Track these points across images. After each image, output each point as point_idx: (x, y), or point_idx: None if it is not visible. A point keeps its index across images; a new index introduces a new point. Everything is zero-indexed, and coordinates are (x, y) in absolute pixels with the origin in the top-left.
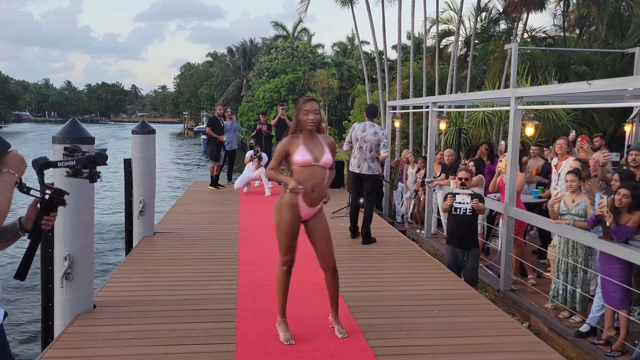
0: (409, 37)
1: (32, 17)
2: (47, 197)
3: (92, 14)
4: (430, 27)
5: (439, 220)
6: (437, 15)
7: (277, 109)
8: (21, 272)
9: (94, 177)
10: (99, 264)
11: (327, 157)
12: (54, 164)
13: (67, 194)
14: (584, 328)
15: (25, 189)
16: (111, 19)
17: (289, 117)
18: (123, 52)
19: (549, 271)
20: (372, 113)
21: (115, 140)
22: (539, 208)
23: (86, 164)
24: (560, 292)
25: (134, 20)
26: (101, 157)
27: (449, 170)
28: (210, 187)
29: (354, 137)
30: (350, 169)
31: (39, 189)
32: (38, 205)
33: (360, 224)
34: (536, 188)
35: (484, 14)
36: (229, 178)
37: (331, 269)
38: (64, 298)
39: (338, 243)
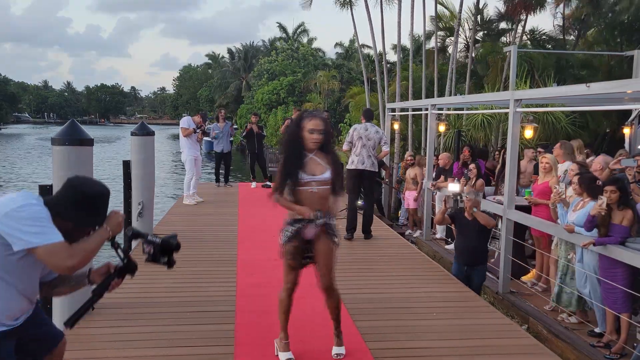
0: (409, 39)
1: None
2: (123, 265)
3: (72, 9)
4: (434, 25)
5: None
6: (437, 16)
7: (275, 111)
8: (73, 321)
9: (171, 264)
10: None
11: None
12: (143, 235)
13: (137, 269)
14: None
15: (116, 246)
16: (77, 12)
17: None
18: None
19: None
20: (370, 116)
21: (113, 141)
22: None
23: (165, 251)
24: (560, 293)
25: (93, 11)
26: (179, 247)
27: (447, 173)
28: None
29: (356, 136)
30: (352, 166)
31: (120, 255)
32: (111, 270)
33: (359, 224)
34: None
35: (484, 14)
36: (226, 180)
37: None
38: (63, 299)
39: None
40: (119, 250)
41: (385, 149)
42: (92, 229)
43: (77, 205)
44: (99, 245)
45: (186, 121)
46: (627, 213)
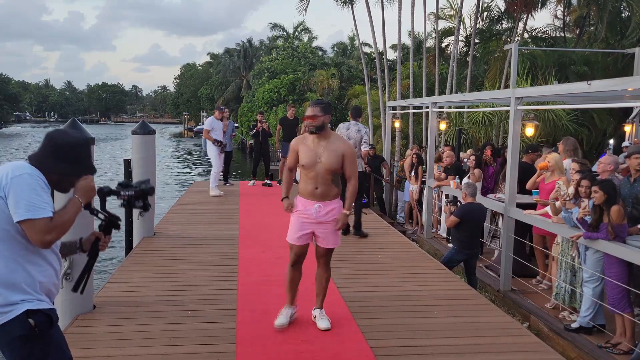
0: (409, 36)
1: None
2: (105, 222)
3: None
4: (434, 24)
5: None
6: (437, 15)
7: (276, 109)
8: (78, 286)
9: (147, 207)
10: (99, 264)
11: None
12: (116, 193)
13: (120, 220)
14: (574, 325)
15: (95, 212)
16: None
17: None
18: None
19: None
20: (357, 114)
21: (113, 140)
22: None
23: (139, 196)
24: (562, 291)
25: None
26: (152, 191)
27: (449, 171)
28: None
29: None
30: None
31: (99, 214)
32: (97, 228)
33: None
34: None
35: (485, 14)
36: (226, 179)
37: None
38: (64, 298)
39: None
40: (99, 213)
41: (364, 148)
42: (77, 178)
43: (57, 157)
44: (74, 216)
45: (209, 123)
46: (612, 211)
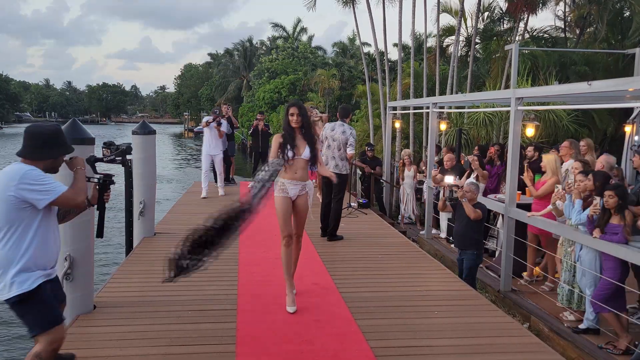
0: (409, 37)
1: None
2: (101, 181)
3: None
4: (436, 18)
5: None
6: (438, 15)
7: (279, 109)
8: (100, 232)
9: (125, 162)
10: (99, 264)
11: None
12: (101, 159)
13: (114, 175)
14: (582, 326)
15: (87, 179)
16: None
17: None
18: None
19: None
20: (344, 114)
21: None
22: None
23: (119, 154)
24: (566, 292)
25: None
26: (130, 149)
27: (449, 173)
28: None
29: (324, 136)
30: None
31: (94, 176)
32: (96, 187)
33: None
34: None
35: (486, 14)
36: (227, 179)
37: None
38: (68, 295)
39: (337, 244)
40: (92, 179)
41: (350, 151)
42: (62, 157)
43: (46, 146)
44: (84, 181)
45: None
46: (627, 213)
